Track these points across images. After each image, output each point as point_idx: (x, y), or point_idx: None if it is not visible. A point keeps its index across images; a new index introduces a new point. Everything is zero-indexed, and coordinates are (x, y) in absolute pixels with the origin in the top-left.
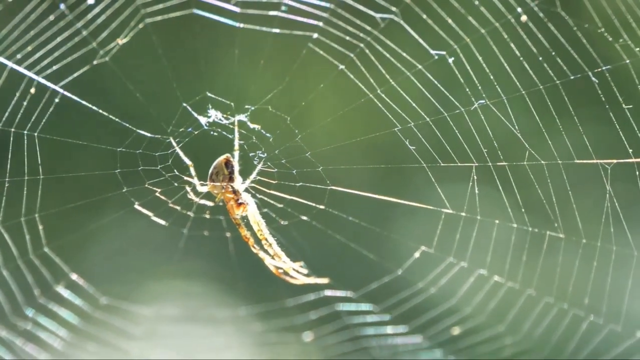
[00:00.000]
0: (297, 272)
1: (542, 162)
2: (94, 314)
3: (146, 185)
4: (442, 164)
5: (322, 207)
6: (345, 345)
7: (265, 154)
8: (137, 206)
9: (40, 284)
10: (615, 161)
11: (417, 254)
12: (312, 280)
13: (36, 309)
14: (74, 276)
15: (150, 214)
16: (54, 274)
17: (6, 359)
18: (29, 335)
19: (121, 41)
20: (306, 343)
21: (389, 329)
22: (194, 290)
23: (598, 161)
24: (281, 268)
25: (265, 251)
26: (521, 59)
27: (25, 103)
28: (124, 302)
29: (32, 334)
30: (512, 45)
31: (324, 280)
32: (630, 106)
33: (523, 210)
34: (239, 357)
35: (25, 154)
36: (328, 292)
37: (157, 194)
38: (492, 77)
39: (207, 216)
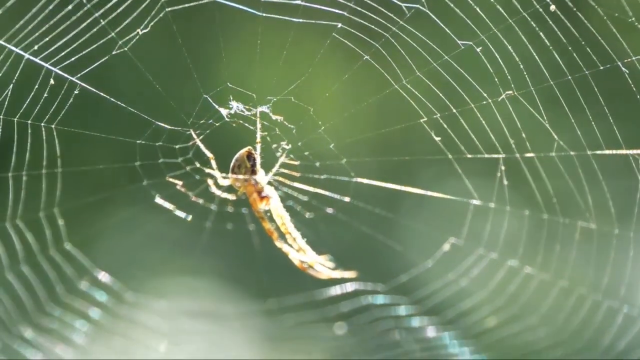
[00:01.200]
0: (322, 266)
1: (572, 152)
2: (121, 311)
3: (167, 179)
4: (468, 155)
5: (347, 199)
6: (378, 338)
7: (290, 146)
8: (158, 199)
9: (62, 280)
10: None
11: (447, 246)
12: (339, 273)
13: (62, 307)
14: (100, 273)
15: (172, 207)
16: (76, 269)
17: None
18: (55, 335)
19: (141, 31)
20: (338, 336)
21: (420, 321)
22: (219, 285)
23: (628, 152)
24: (306, 262)
25: (290, 245)
26: (551, 47)
27: (46, 94)
28: (150, 297)
29: (58, 333)
30: (541, 34)
31: (351, 274)
32: None
33: (554, 200)
34: (269, 351)
35: (45, 146)
36: (357, 285)
37: (178, 187)
38: (521, 67)
39: (230, 209)
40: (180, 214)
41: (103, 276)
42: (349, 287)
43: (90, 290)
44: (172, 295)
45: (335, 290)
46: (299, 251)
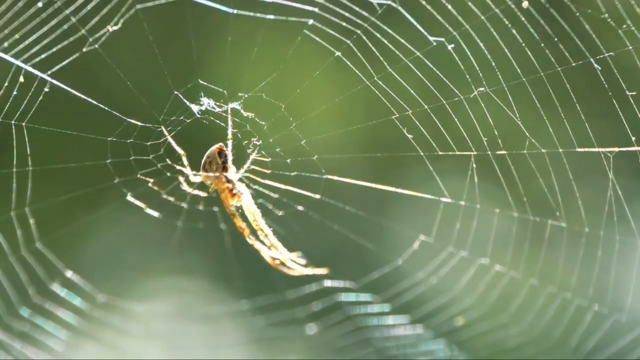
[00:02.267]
0: (294, 263)
1: (543, 150)
2: (92, 313)
3: (138, 176)
4: (440, 153)
5: (317, 196)
6: (349, 337)
7: (260, 142)
8: (129, 197)
9: (34, 281)
10: (617, 149)
11: (416, 244)
12: (310, 270)
13: (32, 309)
14: (69, 273)
15: (143, 205)
16: (48, 270)
17: None
18: (26, 337)
19: (111, 28)
20: (309, 336)
21: (391, 320)
22: (190, 286)
23: (600, 149)
24: (278, 259)
25: (262, 242)
26: (523, 45)
27: (15, 92)
28: (121, 300)
29: (29, 335)
30: (513, 31)
31: (323, 271)
32: (634, 93)
33: (525, 199)
34: (240, 354)
35: (15, 145)
36: (328, 283)
37: (149, 185)
38: (493, 64)
39: (201, 208)
40: (152, 212)
41: (73, 277)
42: (320, 285)
43: (62, 292)
44: (143, 296)
45: (306, 289)
46: (271, 248)
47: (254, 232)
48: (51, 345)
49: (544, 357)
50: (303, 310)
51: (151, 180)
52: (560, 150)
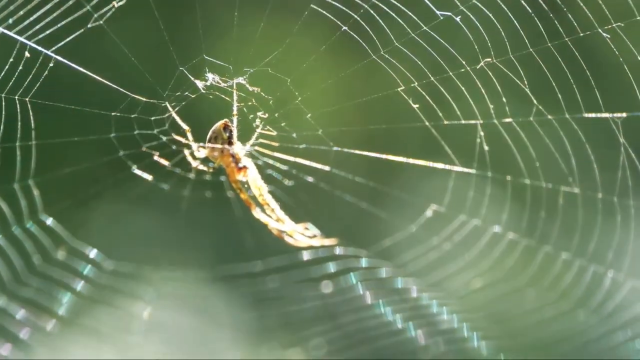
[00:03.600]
0: (302, 235)
1: (550, 117)
2: (101, 280)
3: (143, 149)
4: (445, 122)
5: (327, 168)
6: (363, 298)
7: (267, 115)
8: (135, 170)
9: (39, 250)
10: (625, 114)
11: (429, 212)
12: (319, 241)
13: (38, 276)
14: (76, 243)
15: (149, 177)
16: (54, 240)
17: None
18: (32, 304)
19: (117, 4)
20: (325, 295)
21: (405, 283)
22: (201, 255)
23: (608, 115)
24: (285, 232)
25: (268, 215)
26: (532, 14)
27: (20, 67)
28: (130, 264)
29: (35, 301)
30: (522, 1)
31: (332, 241)
32: None
33: (537, 164)
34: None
35: (19, 119)
36: (339, 251)
37: (155, 158)
38: (502, 35)
39: (209, 177)
40: (159, 183)
41: (80, 246)
42: (332, 252)
43: (69, 260)
44: (153, 264)
45: (319, 254)
46: (278, 221)
47: (260, 206)
48: (58, 312)
49: (565, 318)
50: (317, 270)
51: (157, 152)
52: (567, 116)
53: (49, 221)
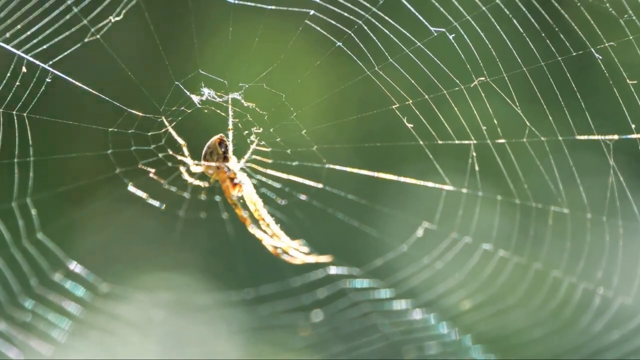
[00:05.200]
0: (297, 251)
1: (542, 138)
2: (95, 303)
3: (139, 166)
4: (439, 142)
5: (320, 185)
6: (356, 323)
7: (261, 130)
8: (130, 188)
9: (36, 272)
10: (617, 137)
11: (420, 231)
12: (313, 258)
13: (35, 300)
14: (73, 264)
15: (144, 195)
16: (50, 261)
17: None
18: (29, 328)
19: (113, 19)
20: (315, 323)
21: (397, 305)
22: (192, 277)
23: (599, 137)
24: (280, 248)
25: (264, 231)
26: (524, 34)
27: (17, 83)
28: (123, 288)
29: (32, 325)
30: (514, 21)
31: (326, 258)
32: (635, 82)
33: (526, 186)
34: (245, 342)
35: (17, 135)
36: (332, 270)
37: (151, 175)
38: (494, 54)
39: (203, 197)
40: (154, 202)
41: (76, 267)
42: (325, 272)
43: (64, 283)
44: (147, 287)
45: (311, 276)
46: (273, 237)
47: (255, 221)
48: (54, 336)
49: (554, 338)
50: (308, 297)
51: (152, 170)
52: (560, 138)
53: (46, 241)
